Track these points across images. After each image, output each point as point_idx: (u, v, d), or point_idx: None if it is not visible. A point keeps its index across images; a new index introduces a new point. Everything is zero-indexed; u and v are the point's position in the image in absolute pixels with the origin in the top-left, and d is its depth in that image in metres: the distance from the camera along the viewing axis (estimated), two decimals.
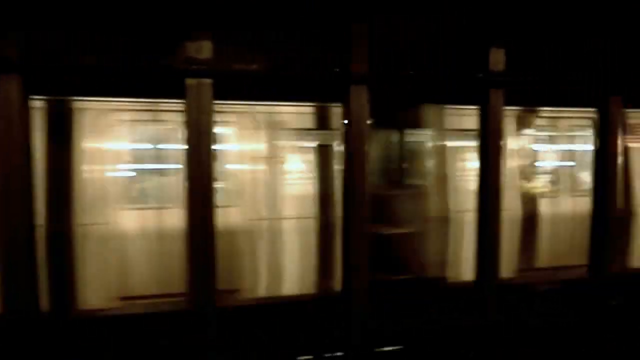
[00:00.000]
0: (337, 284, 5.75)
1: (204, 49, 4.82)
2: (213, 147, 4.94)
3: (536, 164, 6.96)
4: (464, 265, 6.40)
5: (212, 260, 4.97)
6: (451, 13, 5.66)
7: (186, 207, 4.92)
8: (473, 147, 6.18)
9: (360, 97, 5.26)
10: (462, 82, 6.01)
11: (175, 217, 5.26)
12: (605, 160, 6.32)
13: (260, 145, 5.74)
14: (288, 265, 5.83)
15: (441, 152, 6.57)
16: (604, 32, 6.12)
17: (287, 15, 5.27)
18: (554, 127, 6.97)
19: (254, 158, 5.74)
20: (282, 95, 5.74)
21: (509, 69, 5.73)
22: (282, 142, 5.81)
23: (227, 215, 5.49)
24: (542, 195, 6.85)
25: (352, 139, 5.31)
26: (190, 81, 4.83)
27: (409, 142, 7.22)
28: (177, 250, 5.16)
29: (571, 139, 7.06)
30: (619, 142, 6.46)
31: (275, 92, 5.69)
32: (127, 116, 5.39)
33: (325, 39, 5.43)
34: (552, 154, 7.03)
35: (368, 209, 5.41)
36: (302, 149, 5.94)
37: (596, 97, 6.34)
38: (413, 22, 5.79)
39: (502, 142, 5.86)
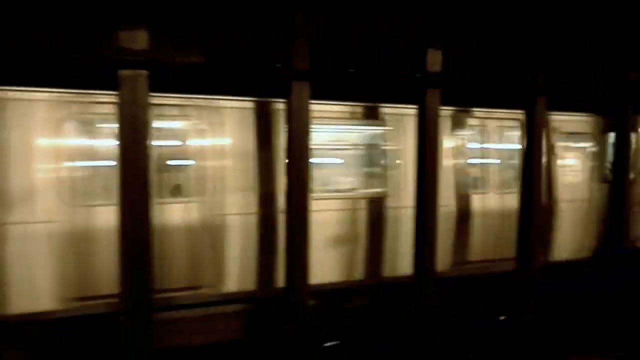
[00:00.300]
0: None
1: (139, 39, 4.60)
2: (150, 141, 4.74)
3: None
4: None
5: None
6: (392, 15, 5.76)
7: (120, 203, 4.68)
8: None
9: (302, 93, 5.23)
10: (402, 81, 6.14)
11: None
12: (531, 159, 6.65)
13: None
14: None
15: None
16: (531, 34, 6.42)
17: (229, 8, 5.16)
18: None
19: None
20: (223, 89, 5.61)
21: (446, 70, 5.90)
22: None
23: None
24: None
25: (293, 136, 5.28)
26: (124, 73, 4.59)
27: None
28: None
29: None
30: (544, 141, 6.83)
31: (218, 86, 5.56)
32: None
33: (268, 34, 5.36)
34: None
35: None
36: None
37: (524, 98, 6.61)
38: (355, 22, 5.84)
39: (438, 141, 6.03)
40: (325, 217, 6.06)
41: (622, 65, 6.95)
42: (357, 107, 6.41)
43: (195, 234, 5.54)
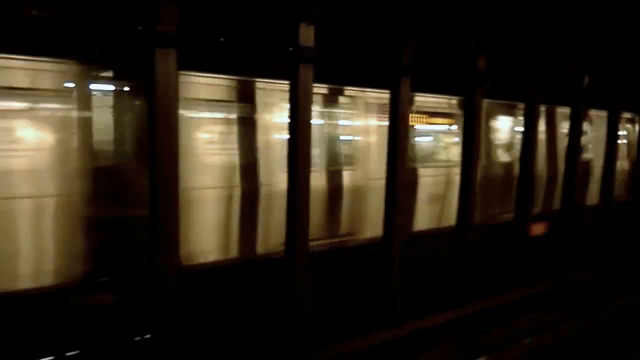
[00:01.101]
0: None
1: None
2: None
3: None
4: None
5: None
6: None
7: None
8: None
9: (168, 61, 4.72)
10: (274, 55, 5.92)
11: None
12: (395, 136, 6.92)
13: None
14: None
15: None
16: (404, 12, 6.58)
17: None
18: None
19: None
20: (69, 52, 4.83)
21: (320, 46, 5.81)
22: None
23: None
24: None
25: (158, 108, 4.77)
26: None
27: None
28: None
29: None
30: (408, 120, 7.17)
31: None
32: None
33: None
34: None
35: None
36: None
37: (389, 78, 6.81)
38: None
39: (310, 117, 5.96)
40: None
41: (474, 50, 7.53)
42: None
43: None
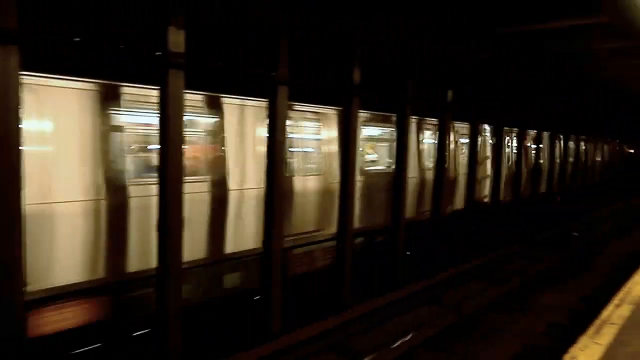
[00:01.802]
0: None
1: None
2: None
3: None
4: None
5: None
6: None
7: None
8: None
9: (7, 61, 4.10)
10: (141, 59, 5.49)
11: None
12: (273, 145, 6.77)
13: None
14: None
15: None
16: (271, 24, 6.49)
17: None
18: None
19: None
20: None
21: (193, 52, 5.49)
22: None
23: None
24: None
25: None
26: None
27: None
28: None
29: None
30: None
31: None
32: None
33: None
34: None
35: None
36: None
37: (268, 87, 6.68)
38: None
39: (182, 126, 5.60)
40: None
41: (348, 62, 7.70)
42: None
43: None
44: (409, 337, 7.27)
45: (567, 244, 14.17)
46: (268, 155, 6.76)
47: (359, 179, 8.80)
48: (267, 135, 6.78)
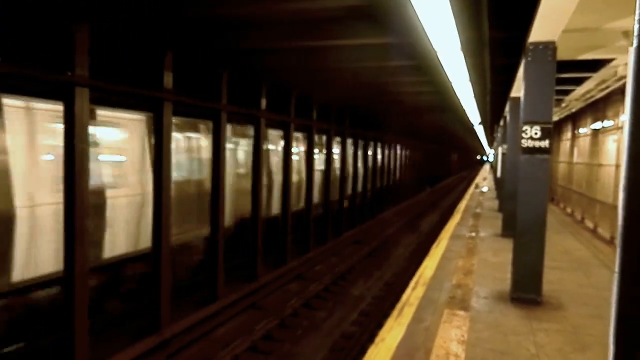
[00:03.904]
0: None
1: None
2: None
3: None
4: None
5: None
6: None
7: None
8: None
9: None
10: None
11: None
12: (72, 153, 5.97)
13: None
14: None
15: None
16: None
17: None
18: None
19: None
20: None
21: None
22: None
23: None
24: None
25: None
26: None
27: None
28: None
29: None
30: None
31: None
32: None
33: None
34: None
35: None
36: None
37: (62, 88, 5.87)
38: None
39: None
40: None
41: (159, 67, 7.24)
42: None
43: None
44: None
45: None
46: (66, 164, 5.91)
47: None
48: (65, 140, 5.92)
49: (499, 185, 18.65)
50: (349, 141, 17.20)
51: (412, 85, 10.54)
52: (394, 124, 21.54)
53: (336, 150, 16.05)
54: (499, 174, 19.79)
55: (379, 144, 21.79)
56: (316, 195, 13.80)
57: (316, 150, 13.97)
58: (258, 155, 10.20)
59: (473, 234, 11.21)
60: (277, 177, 11.93)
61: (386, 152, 23.28)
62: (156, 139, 7.40)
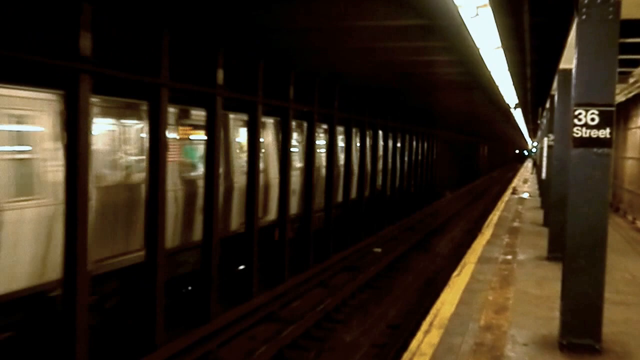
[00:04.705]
0: None
1: None
2: None
3: None
4: None
5: None
6: None
7: None
8: None
9: None
10: None
11: None
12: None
13: None
14: None
15: None
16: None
17: None
18: None
19: None
20: None
21: None
22: None
23: None
24: None
25: None
26: None
27: None
28: None
29: None
30: None
31: None
32: None
33: None
34: None
35: None
36: None
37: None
38: None
39: None
40: None
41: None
42: None
43: None
44: None
45: None
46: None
47: None
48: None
49: (544, 189, 18.75)
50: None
51: (426, 53, 10.57)
52: (400, 108, 21.75)
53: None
54: (543, 174, 19.89)
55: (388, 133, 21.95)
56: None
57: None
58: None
59: (508, 257, 11.26)
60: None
61: (390, 143, 23.42)
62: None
